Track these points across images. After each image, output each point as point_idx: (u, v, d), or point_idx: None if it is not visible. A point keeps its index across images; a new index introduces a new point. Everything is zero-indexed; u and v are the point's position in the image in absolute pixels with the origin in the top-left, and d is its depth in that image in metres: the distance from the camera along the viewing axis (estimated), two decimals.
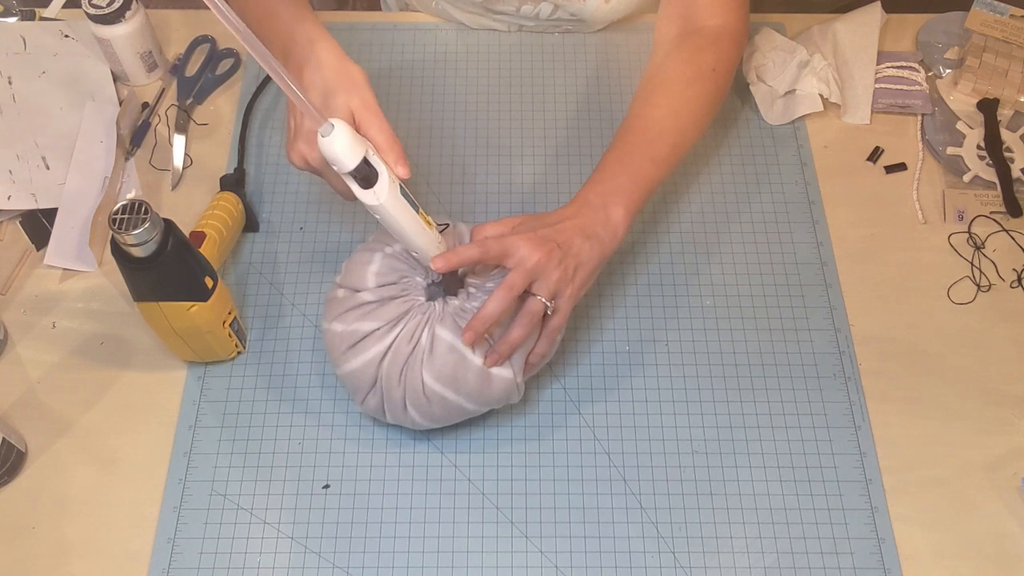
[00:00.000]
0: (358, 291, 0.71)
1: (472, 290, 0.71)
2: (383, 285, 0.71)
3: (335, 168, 0.63)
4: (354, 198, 0.65)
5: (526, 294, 0.69)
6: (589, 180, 0.76)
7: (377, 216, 0.66)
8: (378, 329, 0.69)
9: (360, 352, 0.69)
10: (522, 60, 1.00)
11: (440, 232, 0.70)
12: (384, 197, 0.64)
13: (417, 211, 0.67)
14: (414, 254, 0.69)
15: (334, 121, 0.62)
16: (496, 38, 1.01)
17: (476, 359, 0.68)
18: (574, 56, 1.00)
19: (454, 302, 0.70)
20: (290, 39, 0.72)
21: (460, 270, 0.71)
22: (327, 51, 0.69)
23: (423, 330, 0.69)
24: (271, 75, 0.59)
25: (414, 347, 0.69)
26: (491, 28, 1.01)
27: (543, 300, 0.68)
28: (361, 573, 0.70)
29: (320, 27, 0.72)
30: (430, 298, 0.71)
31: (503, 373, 0.69)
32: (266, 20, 0.76)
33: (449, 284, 0.71)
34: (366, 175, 0.64)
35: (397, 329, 0.69)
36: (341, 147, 0.62)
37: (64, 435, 0.76)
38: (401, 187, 0.66)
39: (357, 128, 0.67)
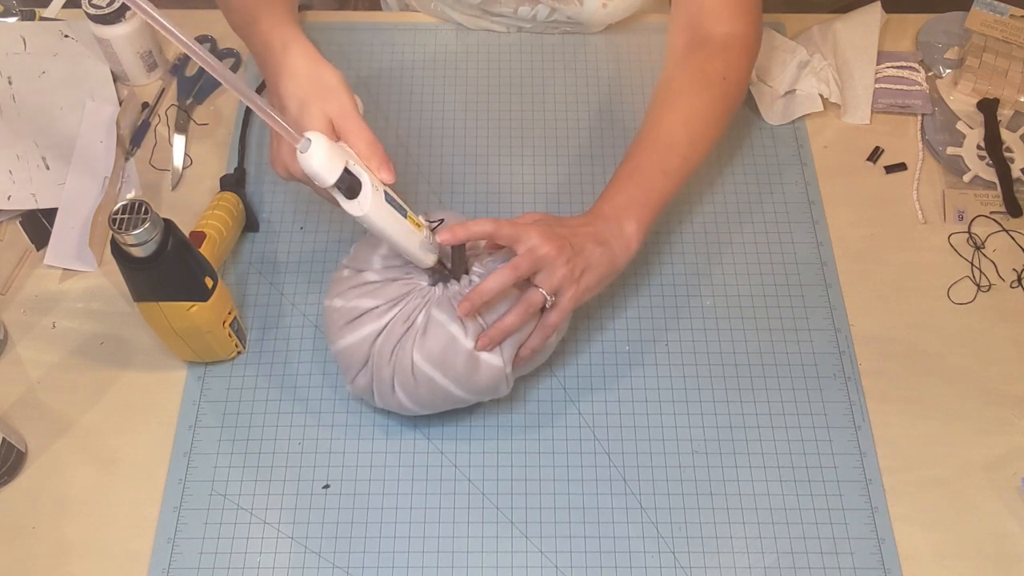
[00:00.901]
0: (362, 271, 0.72)
1: (475, 278, 0.71)
2: (388, 267, 0.72)
3: (316, 183, 0.63)
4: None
5: (528, 284, 0.69)
6: (602, 194, 0.76)
7: (364, 225, 0.65)
8: (377, 307, 0.70)
9: (356, 328, 0.70)
10: (522, 61, 1.00)
11: (433, 228, 0.70)
12: (368, 207, 0.63)
13: (405, 216, 0.67)
14: (406, 256, 0.69)
15: (311, 135, 0.61)
16: (496, 38, 1.01)
17: (467, 342, 0.68)
18: (574, 57, 1.00)
19: (454, 287, 0.70)
20: (266, 46, 0.71)
21: (467, 249, 0.71)
22: (300, 56, 0.69)
23: (420, 312, 0.69)
24: (238, 94, 0.58)
25: (408, 327, 0.69)
26: (490, 30, 1.01)
27: (543, 292, 0.68)
28: (361, 573, 0.70)
29: (294, 30, 0.71)
30: (433, 283, 0.72)
31: (493, 361, 0.69)
32: (248, 27, 0.76)
33: (455, 268, 0.71)
34: (349, 185, 0.63)
35: (395, 309, 0.69)
36: (319, 162, 0.61)
37: (64, 435, 0.76)
38: (386, 193, 0.66)
39: (337, 135, 0.66)
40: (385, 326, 0.69)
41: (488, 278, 0.67)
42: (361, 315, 0.70)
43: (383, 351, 0.69)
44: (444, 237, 0.67)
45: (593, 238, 0.71)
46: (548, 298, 0.69)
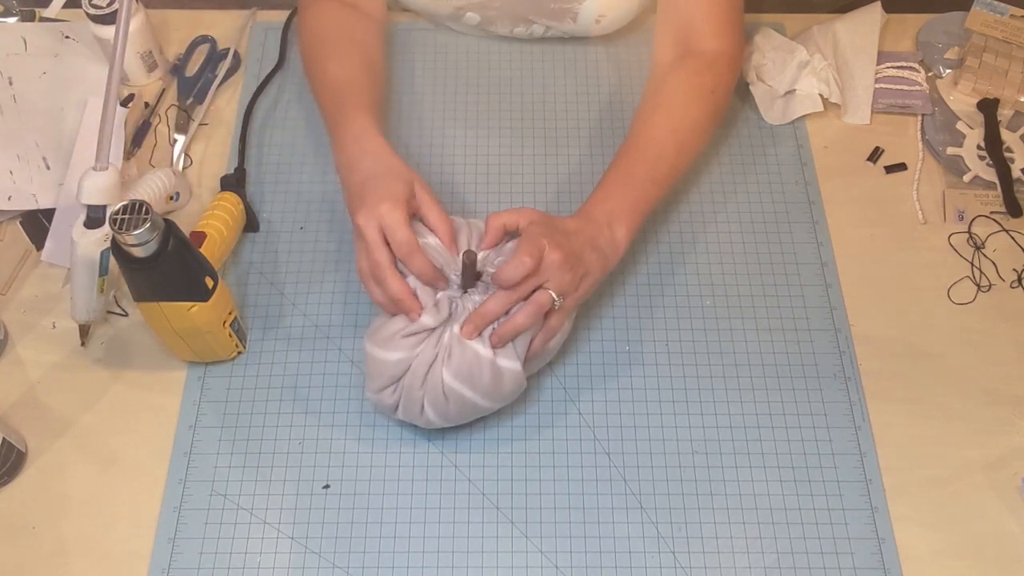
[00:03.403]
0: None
1: (488, 279, 0.71)
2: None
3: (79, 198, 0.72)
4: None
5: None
6: (592, 197, 0.77)
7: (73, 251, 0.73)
8: (436, 329, 0.70)
9: (409, 347, 0.69)
10: (522, 61, 1.00)
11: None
12: (81, 243, 0.72)
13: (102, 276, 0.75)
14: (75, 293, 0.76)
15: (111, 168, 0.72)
16: (495, 40, 1.01)
17: (488, 352, 0.69)
18: (574, 58, 1.00)
19: (474, 297, 0.71)
20: (352, 136, 0.77)
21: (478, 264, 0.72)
22: (383, 144, 0.76)
23: (446, 330, 0.70)
24: None
25: (438, 349, 0.69)
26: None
27: (552, 294, 0.69)
28: (361, 573, 0.71)
29: (378, 124, 0.78)
30: (462, 294, 0.72)
31: (512, 366, 0.69)
32: (335, 104, 0.81)
33: (466, 279, 0.72)
34: (97, 218, 0.72)
35: (438, 332, 0.70)
36: (91, 182, 0.72)
37: (64, 435, 0.76)
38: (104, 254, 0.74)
39: (416, 208, 0.72)
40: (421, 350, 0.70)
41: (488, 301, 0.68)
42: (419, 333, 0.69)
43: (417, 373, 0.69)
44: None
45: (589, 243, 0.72)
46: (556, 299, 0.69)
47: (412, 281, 0.71)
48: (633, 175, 0.78)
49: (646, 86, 0.86)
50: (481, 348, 0.69)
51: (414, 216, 0.73)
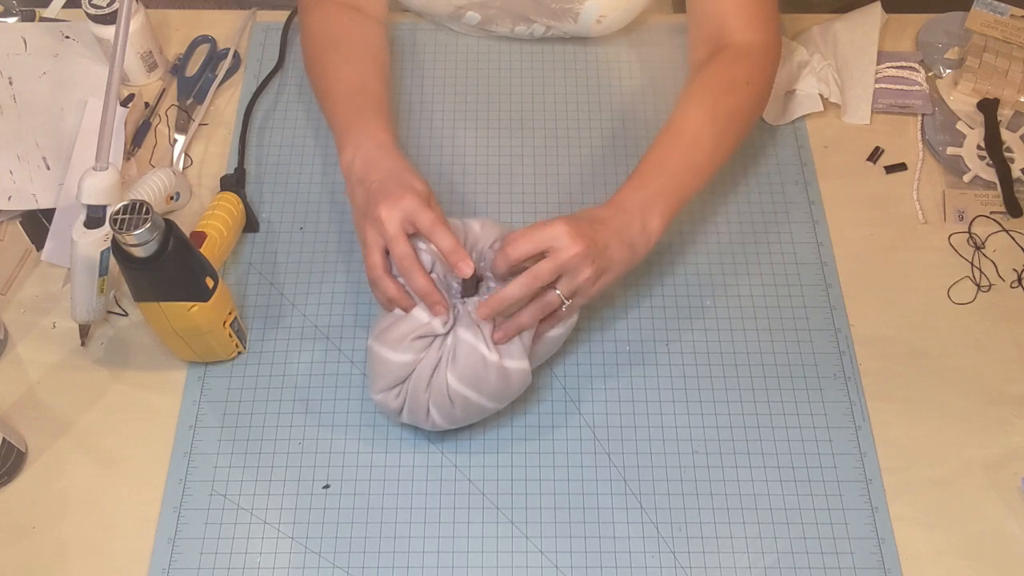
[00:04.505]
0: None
1: (492, 284, 0.71)
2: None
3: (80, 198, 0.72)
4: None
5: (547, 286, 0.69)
6: (625, 186, 0.75)
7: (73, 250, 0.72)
8: (444, 336, 0.70)
9: (419, 349, 0.69)
10: (522, 61, 1.00)
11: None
12: (81, 242, 0.72)
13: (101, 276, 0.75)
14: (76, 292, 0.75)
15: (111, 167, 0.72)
16: (496, 39, 1.01)
17: (494, 356, 0.68)
18: (574, 58, 1.00)
19: (474, 300, 0.71)
20: (374, 143, 0.77)
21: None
22: (398, 153, 0.77)
23: (449, 333, 0.70)
24: None
25: (442, 353, 0.69)
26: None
27: (560, 296, 0.69)
28: (361, 573, 0.71)
29: (395, 134, 0.79)
30: (461, 298, 0.72)
31: (519, 366, 0.69)
32: (351, 113, 0.80)
33: (466, 287, 0.72)
34: (94, 217, 0.72)
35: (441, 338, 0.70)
36: (92, 182, 0.71)
37: (64, 435, 0.76)
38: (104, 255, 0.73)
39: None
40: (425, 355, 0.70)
41: (510, 286, 0.67)
42: (429, 336, 0.69)
43: (422, 376, 0.69)
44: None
45: (618, 236, 0.71)
46: (565, 302, 0.69)
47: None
48: (669, 163, 0.76)
49: (683, 85, 0.84)
50: (487, 351, 0.68)
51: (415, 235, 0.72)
